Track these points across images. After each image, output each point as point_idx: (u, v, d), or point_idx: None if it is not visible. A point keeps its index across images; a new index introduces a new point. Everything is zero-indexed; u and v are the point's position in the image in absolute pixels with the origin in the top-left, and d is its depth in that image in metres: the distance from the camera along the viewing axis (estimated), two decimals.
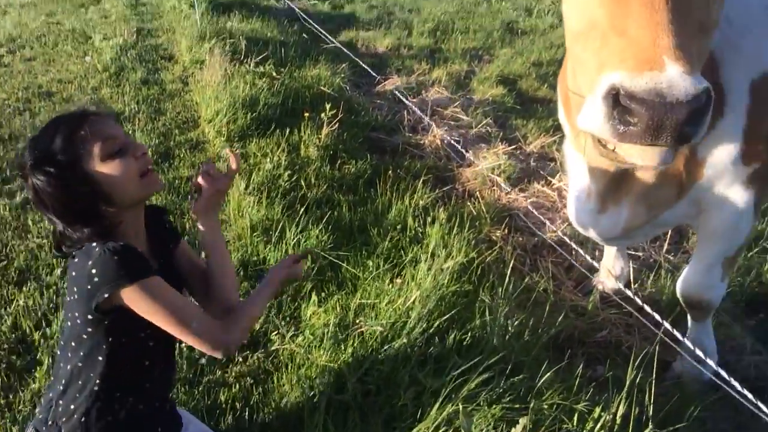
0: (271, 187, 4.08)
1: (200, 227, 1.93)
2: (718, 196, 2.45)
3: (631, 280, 3.51)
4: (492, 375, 2.51)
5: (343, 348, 2.73)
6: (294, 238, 3.49)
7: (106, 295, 1.51)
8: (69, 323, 1.65)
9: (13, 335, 2.89)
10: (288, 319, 3.08)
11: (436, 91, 6.32)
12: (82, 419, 1.65)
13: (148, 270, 1.58)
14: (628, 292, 3.27)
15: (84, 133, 1.61)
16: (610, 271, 3.46)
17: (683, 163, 2.34)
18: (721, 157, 2.33)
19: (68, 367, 1.67)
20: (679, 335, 2.86)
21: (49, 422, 1.69)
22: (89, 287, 1.53)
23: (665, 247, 3.84)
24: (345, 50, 6.97)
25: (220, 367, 2.77)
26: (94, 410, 1.66)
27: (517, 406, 2.41)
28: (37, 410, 1.83)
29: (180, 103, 5.72)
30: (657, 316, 2.94)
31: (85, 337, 1.61)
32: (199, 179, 1.95)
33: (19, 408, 2.52)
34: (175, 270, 1.92)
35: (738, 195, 2.43)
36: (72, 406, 1.66)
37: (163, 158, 4.70)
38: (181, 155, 4.74)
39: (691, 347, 2.81)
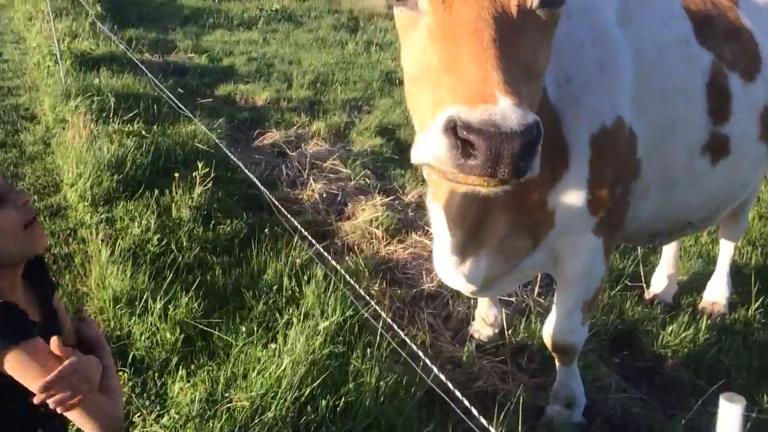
0: (138, 253, 3.88)
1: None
2: (570, 244, 2.56)
3: (505, 327, 3.58)
4: None
5: (211, 425, 2.58)
6: (161, 308, 3.31)
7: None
8: None
9: None
10: (153, 397, 2.89)
11: (315, 143, 6.33)
12: None
13: (29, 331, 1.43)
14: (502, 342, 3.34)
15: None
16: (484, 319, 3.53)
17: (535, 213, 2.43)
18: (569, 206, 2.44)
19: None
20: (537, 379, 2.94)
21: None
22: None
23: (536, 290, 3.96)
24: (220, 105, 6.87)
25: None
26: None
27: None
28: None
29: (41, 167, 5.39)
30: (524, 364, 3.00)
31: None
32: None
33: None
34: (57, 317, 1.73)
35: (589, 242, 2.55)
36: None
37: None
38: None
39: (559, 392, 2.88)
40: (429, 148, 1.44)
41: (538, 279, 4.00)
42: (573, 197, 2.43)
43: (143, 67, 6.52)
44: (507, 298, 3.87)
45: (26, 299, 1.60)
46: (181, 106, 5.30)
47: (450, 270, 2.58)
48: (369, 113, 7.51)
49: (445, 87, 1.48)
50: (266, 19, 12.67)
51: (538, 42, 1.63)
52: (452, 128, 1.37)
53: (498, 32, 1.49)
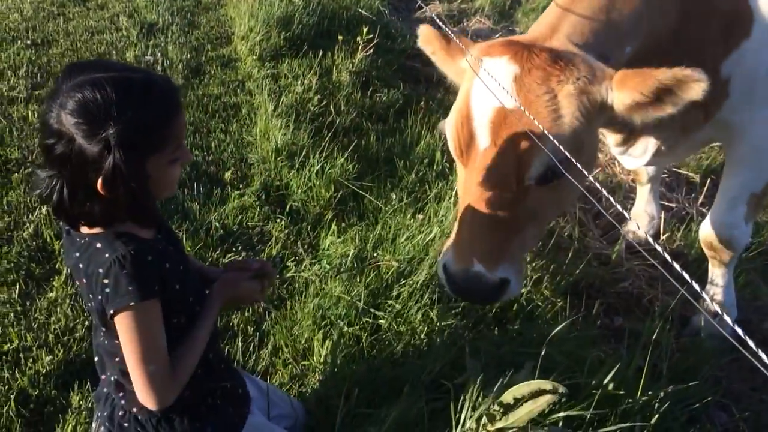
0: (299, 111, 4.00)
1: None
2: (746, 119, 2.33)
3: (661, 231, 3.41)
4: (504, 318, 2.48)
5: (358, 280, 2.72)
6: (318, 165, 3.44)
7: (112, 311, 1.43)
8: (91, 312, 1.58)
9: (34, 243, 2.94)
10: (306, 247, 3.06)
11: (477, 20, 6.07)
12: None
13: (153, 291, 1.45)
14: (657, 246, 3.18)
15: (170, 131, 1.43)
16: (639, 220, 3.37)
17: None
18: (746, 75, 2.22)
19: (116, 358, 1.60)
20: (697, 287, 2.77)
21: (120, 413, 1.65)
22: (100, 297, 1.44)
23: (700, 199, 3.70)
24: None
25: None
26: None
27: (528, 351, 2.38)
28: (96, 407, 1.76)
29: (214, 18, 5.59)
30: (681, 270, 2.85)
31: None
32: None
33: (35, 316, 2.58)
34: (178, 242, 1.77)
35: (766, 117, 2.31)
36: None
37: (194, 74, 4.63)
38: (212, 72, 4.67)
39: (710, 302, 2.73)
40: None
41: (705, 188, 3.72)
42: (751, 64, 2.21)
43: None
44: (667, 204, 3.65)
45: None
46: None
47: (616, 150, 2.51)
48: None
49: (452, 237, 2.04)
50: None
51: (542, 200, 1.92)
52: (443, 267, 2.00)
53: (493, 210, 1.88)
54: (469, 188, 1.93)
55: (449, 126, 2.00)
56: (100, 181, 1.35)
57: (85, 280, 1.47)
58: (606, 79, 1.82)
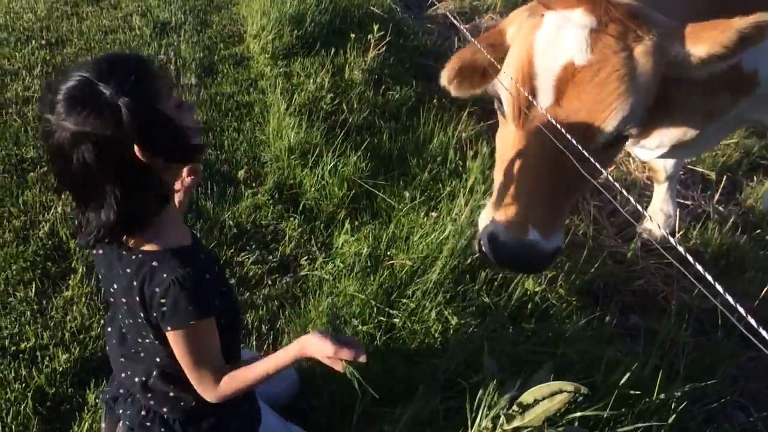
0: (312, 109, 4.00)
1: None
2: None
3: (676, 229, 3.38)
4: (519, 316, 2.47)
5: (372, 279, 2.71)
6: (331, 164, 3.44)
7: (169, 328, 1.46)
8: (128, 321, 1.59)
9: (50, 242, 2.96)
10: (320, 245, 3.07)
11: (490, 17, 6.04)
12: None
13: (211, 308, 1.49)
14: (674, 242, 3.15)
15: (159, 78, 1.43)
16: (655, 217, 3.34)
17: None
18: None
19: (142, 354, 1.65)
20: (720, 288, 2.75)
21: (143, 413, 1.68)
22: (155, 314, 1.46)
23: (716, 197, 3.67)
24: None
25: (248, 289, 2.80)
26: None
27: (544, 350, 2.37)
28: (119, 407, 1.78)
29: (227, 16, 5.60)
30: (697, 265, 2.83)
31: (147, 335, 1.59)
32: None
33: (52, 314, 2.60)
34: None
35: None
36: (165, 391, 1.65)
37: (207, 72, 4.64)
38: (225, 71, 4.68)
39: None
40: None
41: (721, 185, 3.69)
42: None
43: None
44: (683, 201, 3.62)
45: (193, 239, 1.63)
46: None
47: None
48: None
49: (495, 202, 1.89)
50: None
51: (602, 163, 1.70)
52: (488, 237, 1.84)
53: (552, 174, 1.75)
54: (525, 151, 1.80)
55: (504, 84, 1.85)
56: (136, 147, 1.34)
57: (138, 298, 1.48)
58: (677, 35, 1.73)
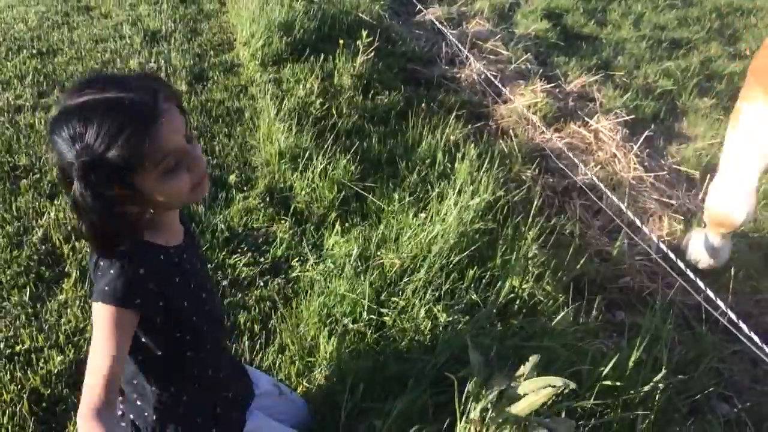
0: (302, 114, 4.05)
1: None
2: None
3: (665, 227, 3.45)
4: (507, 313, 2.52)
5: (362, 278, 2.75)
6: (321, 167, 3.49)
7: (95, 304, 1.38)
8: None
9: (43, 247, 2.99)
10: (311, 247, 3.11)
11: (477, 23, 6.13)
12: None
13: (130, 303, 1.37)
14: (655, 239, 3.21)
15: (150, 145, 1.29)
16: (702, 255, 3.22)
17: None
18: None
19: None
20: (701, 283, 2.81)
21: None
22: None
23: (700, 195, 3.74)
24: None
25: (240, 290, 2.84)
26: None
27: (530, 344, 2.42)
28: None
29: (216, 25, 5.66)
30: (682, 264, 2.89)
31: None
32: None
33: (46, 317, 2.63)
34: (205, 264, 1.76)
35: None
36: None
37: (197, 80, 4.69)
38: (215, 78, 4.73)
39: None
40: None
41: (705, 183, 3.76)
42: None
43: None
44: (668, 200, 3.69)
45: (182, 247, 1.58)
46: None
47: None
48: None
49: None
50: None
51: None
52: None
53: None
54: None
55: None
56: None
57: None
58: None
